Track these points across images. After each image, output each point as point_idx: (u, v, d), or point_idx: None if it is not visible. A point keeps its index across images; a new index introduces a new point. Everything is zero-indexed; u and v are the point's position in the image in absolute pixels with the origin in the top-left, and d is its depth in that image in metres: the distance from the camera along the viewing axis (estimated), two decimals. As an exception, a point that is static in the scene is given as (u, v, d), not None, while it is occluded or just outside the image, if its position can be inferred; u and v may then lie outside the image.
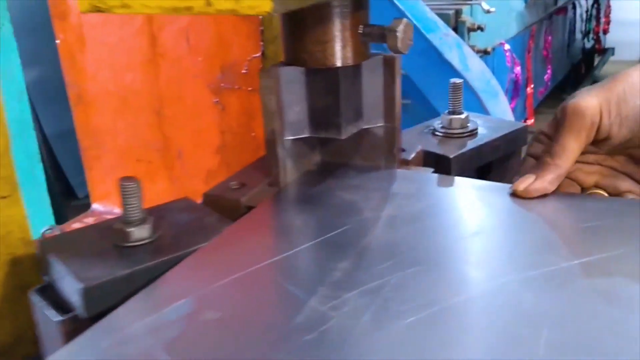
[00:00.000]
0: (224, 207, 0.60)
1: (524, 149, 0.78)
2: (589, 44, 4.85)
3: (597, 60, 5.10)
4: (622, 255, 0.47)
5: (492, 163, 0.76)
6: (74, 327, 0.48)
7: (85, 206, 1.28)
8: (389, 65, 0.61)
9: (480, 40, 2.54)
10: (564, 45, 4.18)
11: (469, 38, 2.48)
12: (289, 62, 0.61)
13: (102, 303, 0.48)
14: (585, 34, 4.69)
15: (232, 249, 0.51)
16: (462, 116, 0.75)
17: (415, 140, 0.74)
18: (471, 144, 0.73)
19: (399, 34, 0.56)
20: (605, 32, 5.19)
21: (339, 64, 0.59)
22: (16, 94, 1.57)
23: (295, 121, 0.62)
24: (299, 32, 0.58)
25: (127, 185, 0.52)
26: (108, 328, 0.42)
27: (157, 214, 0.57)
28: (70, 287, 0.48)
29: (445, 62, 2.08)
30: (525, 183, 0.58)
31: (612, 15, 5.25)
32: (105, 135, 1.12)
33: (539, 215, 0.55)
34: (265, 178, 0.63)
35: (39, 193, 1.73)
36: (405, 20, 0.57)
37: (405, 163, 0.67)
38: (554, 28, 3.81)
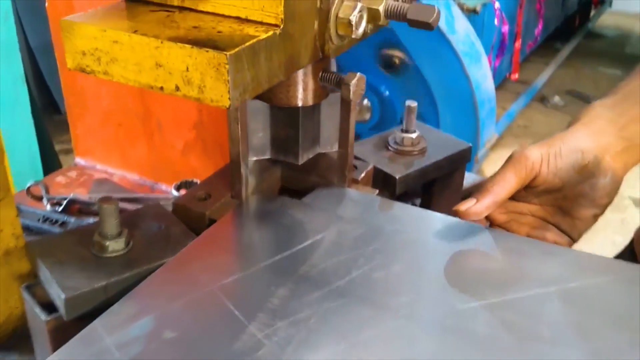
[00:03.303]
0: (191, 217, 0.69)
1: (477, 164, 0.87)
2: (586, -5, 4.79)
3: (593, 12, 5.06)
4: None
5: (436, 178, 0.85)
6: (58, 325, 0.58)
7: (67, 124, 1.25)
8: (345, 105, 0.69)
9: (470, -2, 2.54)
10: (560, -3, 4.14)
11: (459, -5, 2.48)
12: (256, 97, 0.68)
13: (81, 309, 0.58)
14: (583, -15, 4.63)
15: (191, 269, 0.61)
16: (414, 136, 0.83)
17: (370, 153, 0.83)
18: (418, 163, 0.81)
19: (352, 88, 0.64)
20: (605, -18, 5.11)
21: (300, 104, 0.67)
22: (2, 13, 1.59)
23: (258, 145, 0.71)
24: None
25: (106, 208, 0.61)
26: (85, 341, 0.52)
27: (130, 221, 0.66)
28: (55, 293, 0.58)
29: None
30: (466, 204, 0.68)
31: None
32: (89, 98, 1.18)
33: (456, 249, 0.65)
34: (229, 190, 0.72)
35: (22, 117, 1.78)
36: (359, 74, 0.64)
37: (356, 182, 0.76)
38: (551, -20, 3.76)
